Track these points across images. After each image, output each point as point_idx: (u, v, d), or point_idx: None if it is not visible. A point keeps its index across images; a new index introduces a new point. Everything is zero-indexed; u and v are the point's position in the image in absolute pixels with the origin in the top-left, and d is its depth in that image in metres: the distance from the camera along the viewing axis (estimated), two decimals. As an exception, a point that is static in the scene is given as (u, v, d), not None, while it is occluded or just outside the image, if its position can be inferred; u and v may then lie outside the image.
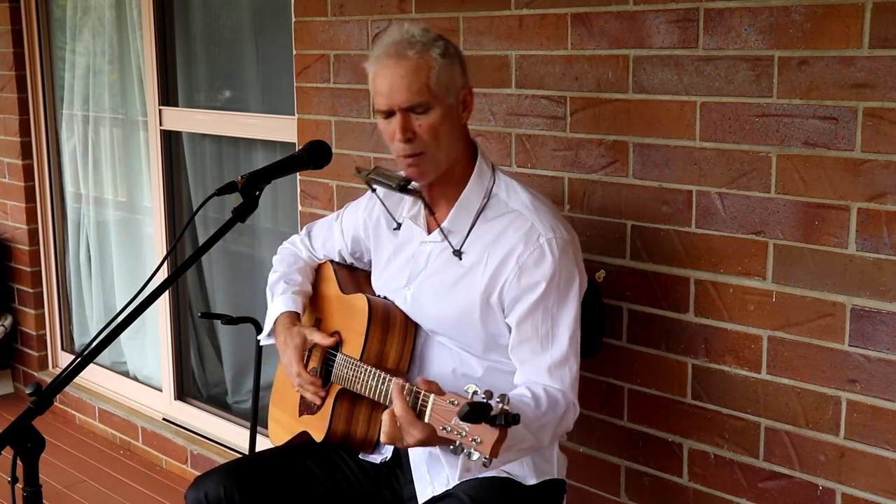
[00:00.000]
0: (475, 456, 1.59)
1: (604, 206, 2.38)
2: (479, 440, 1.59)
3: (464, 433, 1.61)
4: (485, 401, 1.57)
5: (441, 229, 2.03)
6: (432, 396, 1.68)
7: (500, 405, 1.57)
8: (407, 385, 1.77)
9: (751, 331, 2.17)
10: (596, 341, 2.31)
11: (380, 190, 2.12)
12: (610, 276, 2.39)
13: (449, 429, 1.63)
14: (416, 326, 2.09)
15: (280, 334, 2.19)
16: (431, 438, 1.70)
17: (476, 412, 1.54)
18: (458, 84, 1.98)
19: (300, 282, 2.30)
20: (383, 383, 1.93)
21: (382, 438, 1.75)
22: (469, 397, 1.61)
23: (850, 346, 2.03)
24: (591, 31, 2.34)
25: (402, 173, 2.03)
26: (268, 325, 2.25)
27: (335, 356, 2.12)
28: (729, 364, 2.22)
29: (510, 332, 1.98)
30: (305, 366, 2.17)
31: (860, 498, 2.06)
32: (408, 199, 2.09)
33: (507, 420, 1.55)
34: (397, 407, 1.73)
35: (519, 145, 2.52)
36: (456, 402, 1.63)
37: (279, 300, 2.24)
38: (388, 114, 1.95)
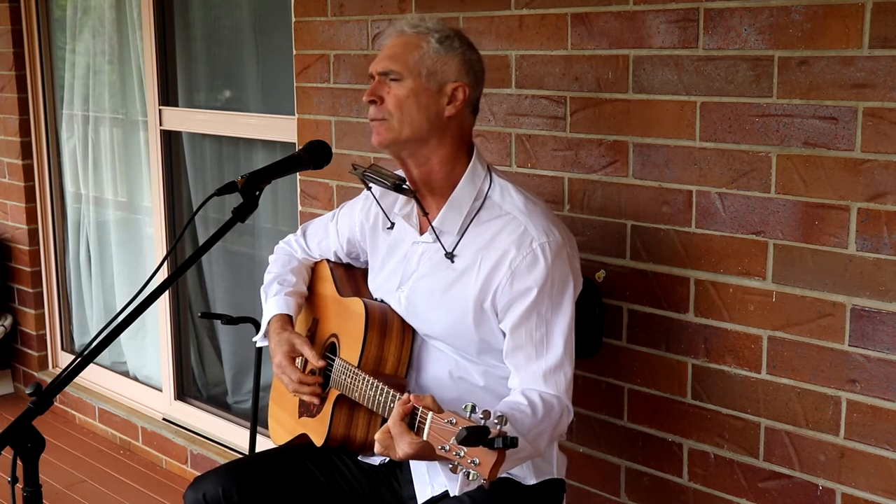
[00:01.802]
0: (473, 475, 1.59)
1: (604, 206, 2.38)
2: (477, 462, 1.58)
3: (462, 454, 1.59)
4: (483, 423, 1.56)
5: (432, 228, 2.02)
6: (430, 414, 1.67)
7: (498, 427, 1.56)
8: (405, 397, 1.76)
9: (751, 331, 2.17)
10: (596, 341, 2.31)
11: (375, 188, 2.12)
12: (610, 276, 2.39)
13: (447, 448, 1.62)
14: (413, 330, 2.09)
15: (271, 338, 2.19)
16: (423, 452, 1.69)
17: (473, 436, 1.53)
18: (447, 75, 1.97)
19: (294, 282, 2.30)
20: (380, 394, 1.93)
21: (375, 448, 1.75)
22: (467, 416, 1.60)
23: (850, 346, 2.03)
24: (591, 31, 2.34)
25: (399, 172, 2.04)
26: (262, 328, 2.25)
27: (333, 360, 2.12)
28: (729, 364, 2.22)
29: (504, 336, 1.98)
30: (304, 368, 2.17)
31: (860, 498, 2.06)
32: (401, 197, 2.09)
33: (504, 443, 1.54)
34: (391, 418, 1.73)
35: (519, 145, 2.52)
36: (454, 422, 1.62)
37: (272, 302, 2.25)
38: (371, 79, 2.02)
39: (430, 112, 1.97)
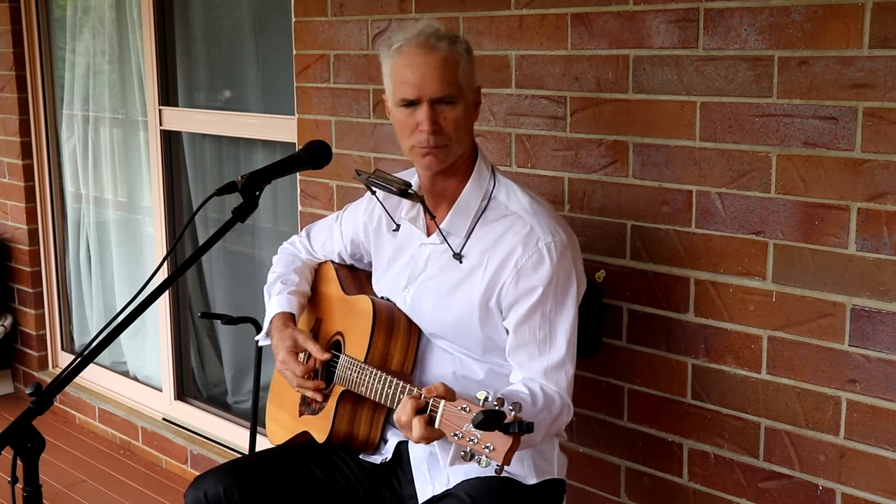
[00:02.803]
0: (485, 462, 1.60)
1: (604, 206, 2.38)
2: (491, 447, 1.59)
3: (476, 440, 1.61)
4: (498, 408, 1.57)
5: (440, 230, 2.02)
6: (443, 402, 1.68)
7: (514, 413, 1.57)
8: (416, 390, 1.78)
9: (751, 331, 2.17)
10: (596, 341, 2.31)
11: (379, 192, 2.12)
12: (610, 276, 2.39)
13: (460, 435, 1.63)
14: (420, 330, 2.09)
15: (273, 336, 2.20)
16: (435, 439, 1.72)
17: (490, 420, 1.54)
18: (474, 83, 2.01)
19: (297, 282, 2.30)
20: (389, 387, 1.93)
21: (395, 419, 1.76)
22: (480, 404, 1.61)
23: (850, 346, 2.03)
24: (591, 31, 2.34)
25: (401, 175, 2.04)
26: (265, 327, 2.26)
27: (338, 357, 2.12)
28: (729, 364, 2.22)
29: (508, 334, 1.98)
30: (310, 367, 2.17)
31: (860, 498, 2.06)
32: (406, 201, 2.09)
33: (520, 428, 1.56)
34: (402, 410, 1.74)
35: (519, 145, 2.52)
36: (468, 409, 1.63)
37: (275, 301, 2.25)
38: (412, 103, 1.93)
39: (471, 125, 2.01)
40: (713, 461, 2.28)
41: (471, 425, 1.58)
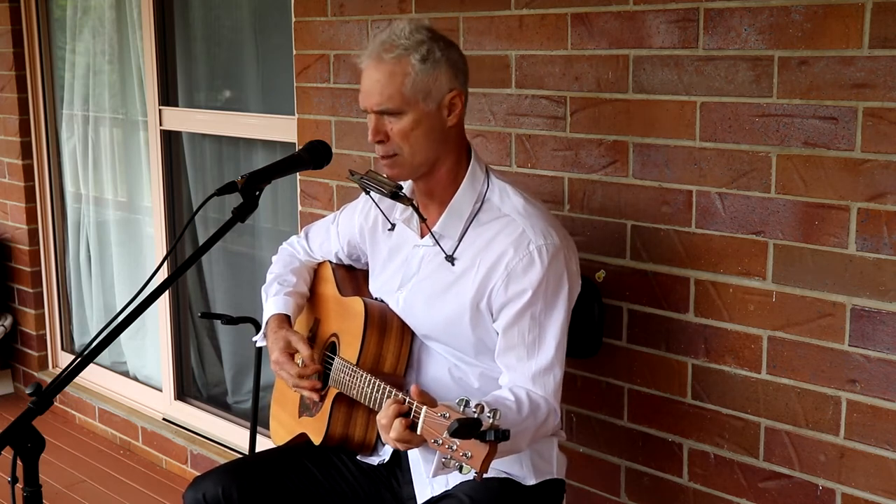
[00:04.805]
0: (465, 469, 1.60)
1: (604, 206, 2.38)
2: (469, 455, 1.59)
3: (454, 447, 1.61)
4: (475, 415, 1.56)
5: (432, 234, 2.02)
6: (424, 409, 1.68)
7: (491, 420, 1.56)
8: (401, 396, 1.78)
9: (751, 331, 2.17)
10: (596, 341, 2.31)
11: (373, 193, 2.12)
12: (610, 276, 2.39)
13: (440, 442, 1.63)
14: (412, 330, 2.09)
15: (269, 337, 2.20)
16: (417, 445, 1.73)
17: (465, 429, 1.53)
18: (442, 89, 1.94)
19: (294, 282, 2.30)
20: (377, 391, 1.93)
21: (378, 424, 1.77)
22: (461, 410, 1.60)
23: (850, 346, 2.03)
24: (591, 31, 2.34)
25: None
26: (262, 328, 2.26)
27: (332, 359, 2.12)
28: (729, 364, 2.22)
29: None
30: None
31: (860, 498, 2.06)
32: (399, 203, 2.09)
33: (496, 436, 1.55)
34: (384, 411, 1.75)
35: (519, 145, 2.52)
36: (447, 416, 1.62)
37: (271, 302, 2.25)
38: (368, 113, 1.97)
39: (435, 132, 1.96)
40: (713, 461, 2.28)
41: (447, 433, 1.57)
